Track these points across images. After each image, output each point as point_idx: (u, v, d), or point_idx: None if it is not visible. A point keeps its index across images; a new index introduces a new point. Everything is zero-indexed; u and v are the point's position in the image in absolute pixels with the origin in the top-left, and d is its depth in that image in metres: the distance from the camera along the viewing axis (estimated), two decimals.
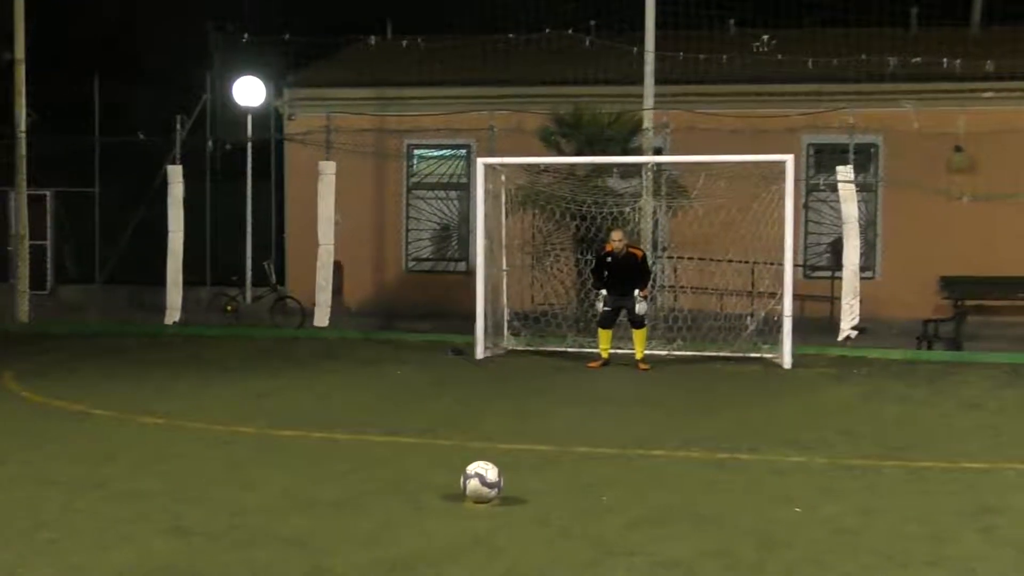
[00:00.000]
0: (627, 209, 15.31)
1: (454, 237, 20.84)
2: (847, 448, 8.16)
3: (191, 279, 18.13)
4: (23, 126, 17.78)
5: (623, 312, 13.31)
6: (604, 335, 13.36)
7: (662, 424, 9.28)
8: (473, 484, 6.24)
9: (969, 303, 17.13)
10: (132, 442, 8.08)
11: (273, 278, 18.40)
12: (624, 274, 13.11)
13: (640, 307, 13.10)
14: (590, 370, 12.98)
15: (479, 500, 6.24)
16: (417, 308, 18.98)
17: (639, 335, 13.21)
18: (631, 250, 13.31)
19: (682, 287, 15.85)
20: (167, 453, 7.64)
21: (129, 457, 7.48)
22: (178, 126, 18.78)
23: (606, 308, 13.22)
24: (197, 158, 19.83)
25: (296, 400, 10.47)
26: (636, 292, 13.05)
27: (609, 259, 13.24)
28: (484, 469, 6.28)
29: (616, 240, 13.19)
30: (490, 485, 6.25)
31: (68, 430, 8.66)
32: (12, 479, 6.84)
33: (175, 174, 17.89)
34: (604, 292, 13.21)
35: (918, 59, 18.22)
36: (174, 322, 17.36)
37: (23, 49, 17.61)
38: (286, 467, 7.25)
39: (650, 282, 13.68)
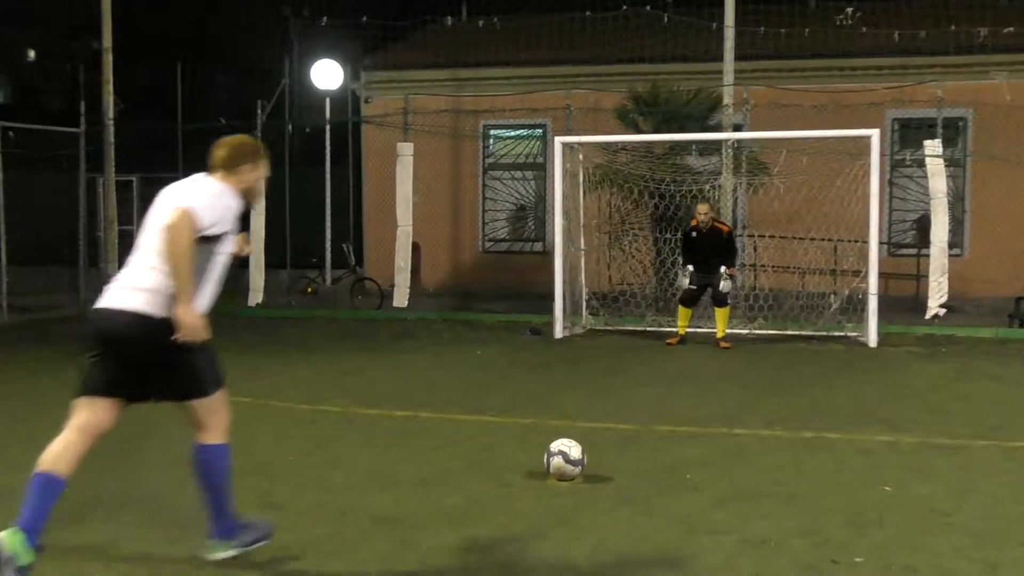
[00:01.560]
0: (706, 187, 15.16)
1: (531, 217, 20.85)
2: (937, 427, 8.02)
3: (272, 261, 18.41)
4: (111, 113, 18.19)
5: (707, 291, 13.16)
6: (684, 313, 13.27)
7: (745, 403, 9.19)
8: (557, 462, 6.28)
9: None
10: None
11: (352, 260, 18.62)
12: (709, 250, 12.98)
13: (725, 284, 12.96)
14: (668, 347, 12.93)
15: (563, 478, 6.27)
16: (494, 289, 19.04)
17: (722, 313, 13.11)
18: (717, 225, 13.13)
19: (763, 265, 15.66)
20: (255, 431, 7.79)
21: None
22: (258, 111, 19.06)
23: (691, 286, 13.10)
24: (277, 142, 20.10)
25: (378, 380, 10.59)
26: (722, 269, 12.90)
27: (694, 234, 13.10)
28: (568, 447, 6.32)
29: (701, 214, 13.03)
30: (574, 463, 6.28)
31: None
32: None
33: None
34: (691, 268, 13.09)
35: (1010, 28, 17.72)
36: (257, 304, 17.66)
37: (110, 38, 18.01)
38: (371, 445, 7.35)
39: (736, 260, 13.53)
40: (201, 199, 4.56)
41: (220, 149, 4.79)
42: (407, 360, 12.07)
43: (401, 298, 16.88)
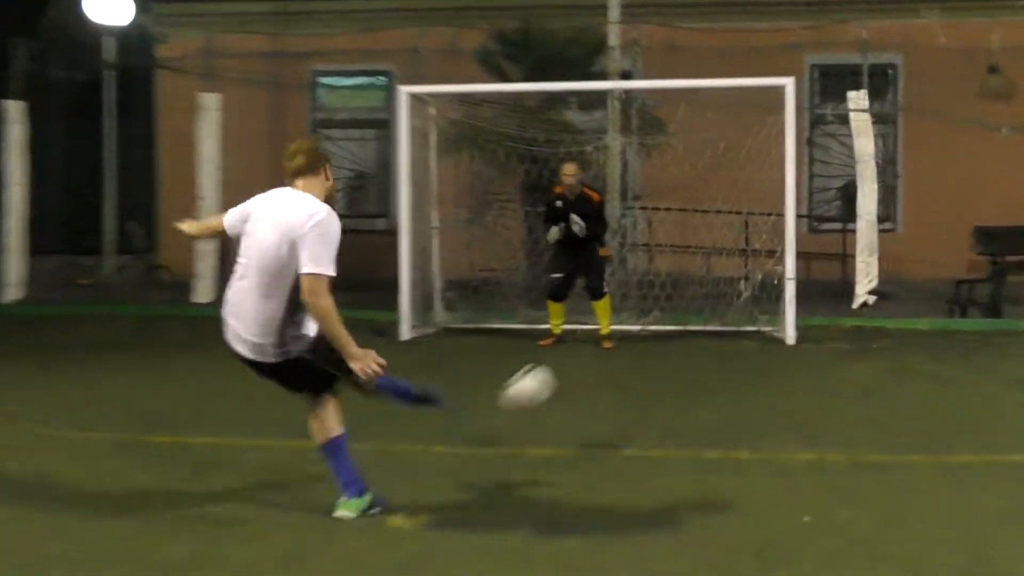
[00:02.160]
0: (589, 148, 15.32)
1: (371, 188, 20.76)
2: (867, 441, 8.24)
3: (37, 245, 17.90)
4: None
5: (577, 280, 13.28)
6: (555, 309, 13.40)
7: (635, 416, 9.29)
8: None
9: (1010, 259, 17.38)
10: None
11: (142, 243, 18.23)
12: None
13: (580, 227, 12.84)
14: (542, 349, 13.00)
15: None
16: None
17: (601, 307, 13.27)
18: (586, 191, 13.21)
19: (659, 245, 15.92)
20: (5, 469, 7.49)
21: None
22: (18, 52, 18.51)
23: (555, 275, 13.18)
24: (44, 91, 19.53)
25: (175, 396, 10.34)
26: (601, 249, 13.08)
27: (559, 203, 13.08)
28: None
29: (568, 175, 13.05)
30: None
31: None
32: None
33: (15, 112, 17.66)
34: (555, 229, 13.07)
35: None
36: (15, 300, 17.15)
37: None
38: (166, 480, 7.15)
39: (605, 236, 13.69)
40: (326, 249, 6.03)
41: (299, 157, 6.12)
42: (214, 371, 11.72)
43: (205, 291, 16.58)
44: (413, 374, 11.38)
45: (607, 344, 13.10)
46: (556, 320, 13.40)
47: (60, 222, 19.45)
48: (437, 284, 15.05)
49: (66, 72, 20.72)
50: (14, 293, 17.29)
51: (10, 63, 18.54)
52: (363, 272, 18.54)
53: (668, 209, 15.78)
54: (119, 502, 6.66)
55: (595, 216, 13.10)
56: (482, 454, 7.94)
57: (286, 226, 6.00)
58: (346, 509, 6.21)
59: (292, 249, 5.97)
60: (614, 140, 15.68)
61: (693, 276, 15.27)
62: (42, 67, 19.89)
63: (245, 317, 6.15)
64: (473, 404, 9.88)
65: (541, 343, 13.22)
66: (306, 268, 5.93)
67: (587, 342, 13.30)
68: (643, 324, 14.34)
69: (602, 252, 13.20)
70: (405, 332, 13.90)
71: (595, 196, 13.34)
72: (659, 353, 12.84)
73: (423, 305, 14.54)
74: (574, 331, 13.68)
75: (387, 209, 19.95)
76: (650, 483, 7.09)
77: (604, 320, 13.25)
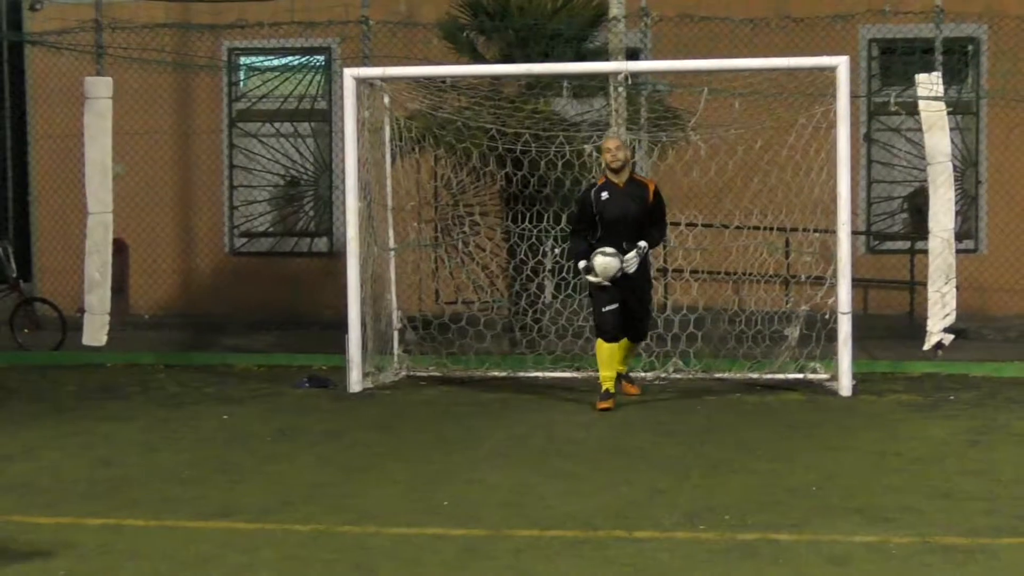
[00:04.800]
0: (586, 147, 15.37)
1: (308, 197, 20.78)
2: (943, 519, 8.31)
3: None
4: None
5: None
6: (611, 354, 12.75)
7: (653, 489, 9.32)
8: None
9: None
10: None
11: (13, 269, 18.19)
12: (631, 223, 12.64)
13: (629, 262, 12.57)
14: (536, 407, 13.01)
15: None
16: (250, 313, 18.89)
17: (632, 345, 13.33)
18: (638, 178, 12.97)
19: (677, 271, 15.91)
20: None
21: None
22: None
23: (609, 307, 12.64)
24: None
25: (58, 467, 10.37)
26: (640, 244, 12.62)
27: (605, 195, 12.72)
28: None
29: (612, 150, 12.72)
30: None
31: None
32: None
33: None
34: (594, 265, 12.55)
35: None
36: None
37: None
38: None
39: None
40: None
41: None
42: (107, 433, 11.83)
43: (96, 331, 16.53)
44: (365, 436, 11.59)
45: (632, 390, 13.16)
46: (610, 371, 12.76)
47: None
48: (394, 321, 15.08)
49: None
50: None
51: None
52: (298, 305, 18.68)
53: (690, 225, 15.79)
54: None
55: (652, 214, 12.79)
56: (454, 535, 7.96)
57: None
58: None
59: None
60: (620, 135, 15.74)
61: (721, 309, 15.31)
62: None
63: None
64: (446, 473, 9.98)
65: (601, 406, 12.61)
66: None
67: (589, 390, 13.29)
68: (660, 372, 14.40)
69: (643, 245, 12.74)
70: (355, 382, 13.92)
71: (650, 184, 13.05)
72: (680, 408, 12.88)
73: (378, 347, 14.57)
74: (572, 380, 13.73)
75: (329, 225, 19.98)
76: (669, 573, 7.14)
77: (630, 355, 13.35)
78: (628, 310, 12.78)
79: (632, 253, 12.58)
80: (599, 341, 12.82)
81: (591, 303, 13.10)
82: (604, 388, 12.67)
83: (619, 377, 12.99)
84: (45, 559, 7.50)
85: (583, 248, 12.77)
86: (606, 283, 12.55)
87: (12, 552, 7.69)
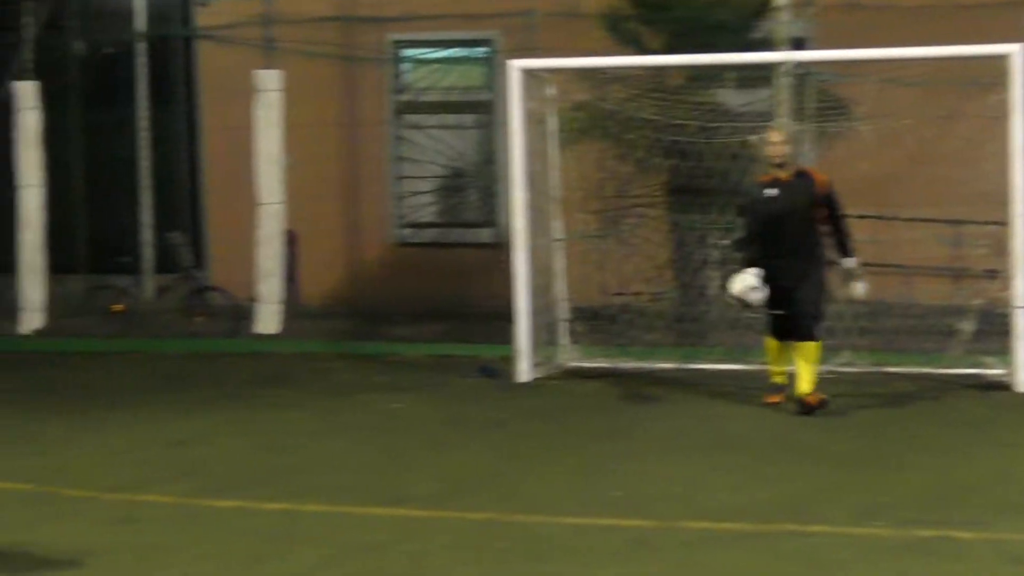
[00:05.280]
0: (751, 138, 15.29)
1: (472, 189, 20.89)
2: None
3: (59, 263, 18.30)
4: None
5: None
6: (776, 350, 12.48)
7: (824, 483, 9.30)
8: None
9: None
10: None
11: (187, 259, 18.54)
12: (798, 223, 12.18)
13: (857, 288, 12.33)
14: (702, 400, 12.97)
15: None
16: (417, 303, 19.04)
17: (807, 353, 12.25)
18: (806, 171, 12.48)
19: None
20: (37, 536, 7.76)
21: None
22: (27, 20, 18.90)
23: (775, 310, 12.22)
24: (59, 71, 19.93)
25: (233, 452, 10.63)
26: (846, 262, 12.28)
27: (768, 192, 12.26)
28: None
29: (775, 143, 12.30)
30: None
31: None
32: None
33: (26, 95, 18.06)
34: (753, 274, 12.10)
35: None
36: (33, 331, 17.60)
37: None
38: (226, 557, 7.35)
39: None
40: None
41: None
42: (279, 420, 12.06)
43: (268, 320, 16.84)
44: (534, 426, 11.65)
45: (811, 398, 12.13)
46: (780, 366, 12.49)
47: (86, 233, 19.73)
48: (562, 312, 15.11)
49: (87, 46, 21.00)
50: (32, 321, 17.65)
51: (19, 35, 18.96)
52: (465, 298, 18.75)
53: (860, 216, 15.59)
54: None
55: (828, 210, 12.27)
56: (624, 526, 8.00)
57: None
58: None
59: None
60: (783, 128, 15.62)
61: (890, 303, 15.14)
62: (58, 41, 20.28)
63: None
64: (614, 465, 10.02)
65: (770, 399, 12.45)
66: None
67: (757, 388, 13.20)
68: (831, 366, 14.23)
69: (851, 263, 12.38)
70: (523, 373, 13.98)
71: (821, 178, 12.41)
72: (850, 402, 12.77)
73: (545, 339, 14.61)
74: (741, 373, 13.67)
75: (494, 217, 20.07)
76: (842, 570, 7.11)
77: (806, 372, 12.23)
78: (793, 310, 12.20)
79: (855, 285, 12.33)
80: (766, 337, 12.64)
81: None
82: (772, 381, 12.52)
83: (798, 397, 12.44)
84: (223, 543, 7.67)
85: (756, 257, 12.20)
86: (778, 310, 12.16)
87: (191, 533, 7.88)
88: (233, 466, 10.08)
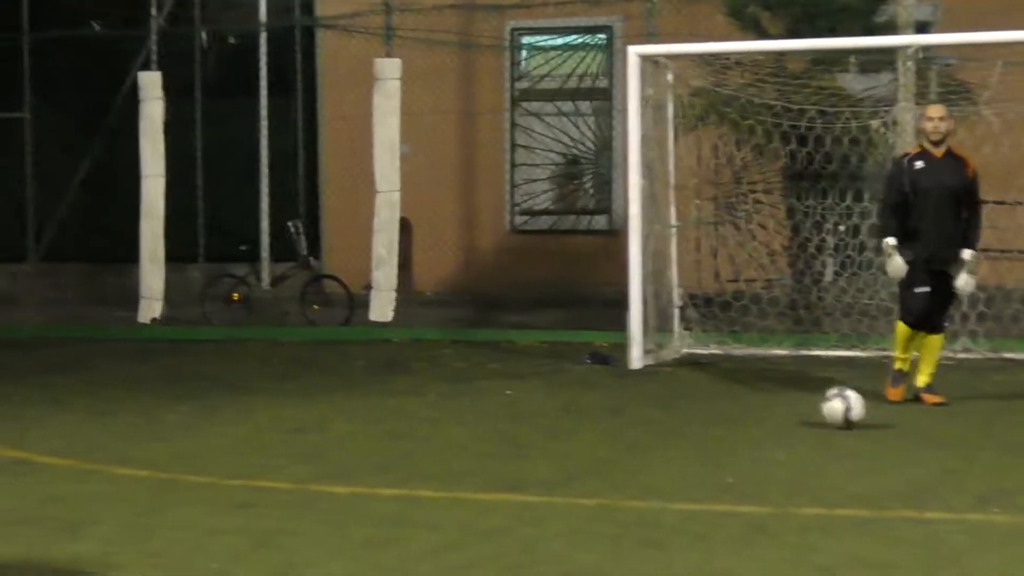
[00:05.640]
0: (873, 123, 15.16)
1: (588, 176, 20.88)
2: None
3: (177, 252, 18.60)
4: None
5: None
6: (907, 335, 11.93)
7: (942, 470, 9.23)
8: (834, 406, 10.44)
9: None
10: (101, 507, 8.35)
11: (304, 247, 18.70)
12: (948, 202, 11.72)
13: (966, 282, 11.82)
14: (818, 387, 12.84)
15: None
16: (532, 290, 19.07)
17: (932, 345, 12.04)
18: (956, 153, 11.98)
19: None
20: (159, 521, 7.88)
21: (98, 532, 7.73)
22: (153, 11, 19.15)
23: (921, 288, 11.67)
24: (182, 61, 20.18)
25: (350, 439, 10.75)
26: (965, 254, 11.74)
27: (919, 164, 11.75)
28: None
29: (935, 119, 11.78)
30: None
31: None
32: None
33: (150, 85, 18.31)
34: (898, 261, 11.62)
35: None
36: (153, 320, 17.90)
37: None
38: (342, 543, 7.41)
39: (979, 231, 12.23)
40: None
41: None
42: (395, 407, 12.16)
43: (383, 307, 16.95)
44: (647, 413, 11.64)
45: (929, 399, 11.89)
46: (906, 352, 11.99)
47: (204, 222, 19.93)
48: (676, 299, 15.08)
49: (211, 37, 21.20)
50: (152, 310, 17.92)
51: (141, 26, 19.24)
52: (579, 285, 18.76)
53: (983, 202, 15.40)
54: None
55: (968, 194, 11.88)
56: (740, 512, 7.99)
57: None
58: None
59: None
60: (907, 112, 15.40)
61: (1016, 289, 14.95)
62: (182, 32, 20.53)
63: None
64: (729, 451, 9.99)
65: (892, 397, 12.02)
66: None
67: (866, 370, 13.08)
68: (952, 351, 14.06)
69: (968, 255, 11.80)
70: (636, 359, 14.00)
71: (968, 160, 12.03)
72: (969, 388, 12.62)
73: (659, 325, 14.60)
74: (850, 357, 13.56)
75: (609, 204, 20.05)
76: (959, 556, 7.04)
77: (928, 364, 12.00)
78: (937, 297, 11.82)
79: (964, 277, 11.75)
80: (899, 322, 12.07)
81: (903, 281, 11.89)
82: (896, 368, 12.06)
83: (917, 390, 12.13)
84: (340, 527, 7.74)
85: (892, 225, 11.80)
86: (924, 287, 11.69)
87: (309, 519, 7.96)
88: (350, 452, 10.17)
